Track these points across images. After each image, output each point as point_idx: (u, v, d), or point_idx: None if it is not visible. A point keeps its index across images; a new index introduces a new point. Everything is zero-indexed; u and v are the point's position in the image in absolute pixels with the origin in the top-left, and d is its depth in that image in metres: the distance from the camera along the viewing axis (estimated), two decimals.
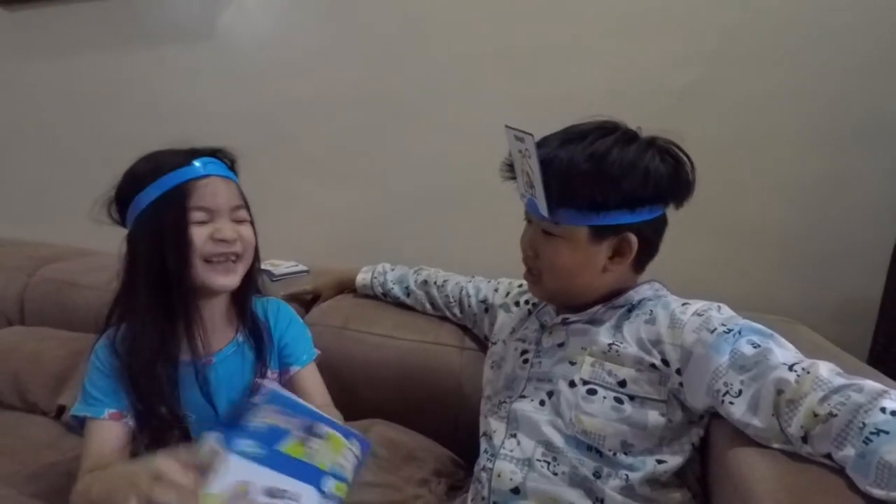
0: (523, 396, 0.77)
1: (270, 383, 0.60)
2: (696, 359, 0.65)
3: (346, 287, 1.19)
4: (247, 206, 0.81)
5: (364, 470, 0.86)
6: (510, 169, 0.77)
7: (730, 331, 0.64)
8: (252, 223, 0.81)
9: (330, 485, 0.57)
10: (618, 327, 0.74)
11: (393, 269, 1.14)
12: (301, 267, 1.33)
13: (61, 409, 1.14)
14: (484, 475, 0.74)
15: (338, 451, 0.58)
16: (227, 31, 1.47)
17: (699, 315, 0.68)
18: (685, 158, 0.72)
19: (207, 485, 0.51)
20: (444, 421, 1.00)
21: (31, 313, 1.42)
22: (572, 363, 0.74)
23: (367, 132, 1.39)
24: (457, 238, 1.33)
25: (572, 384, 0.72)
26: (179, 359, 0.78)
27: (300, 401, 0.61)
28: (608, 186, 0.68)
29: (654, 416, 0.67)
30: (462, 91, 1.29)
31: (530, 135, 0.67)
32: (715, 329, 0.65)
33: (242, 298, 0.85)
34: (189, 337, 0.78)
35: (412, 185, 1.37)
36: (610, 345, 0.71)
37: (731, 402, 0.60)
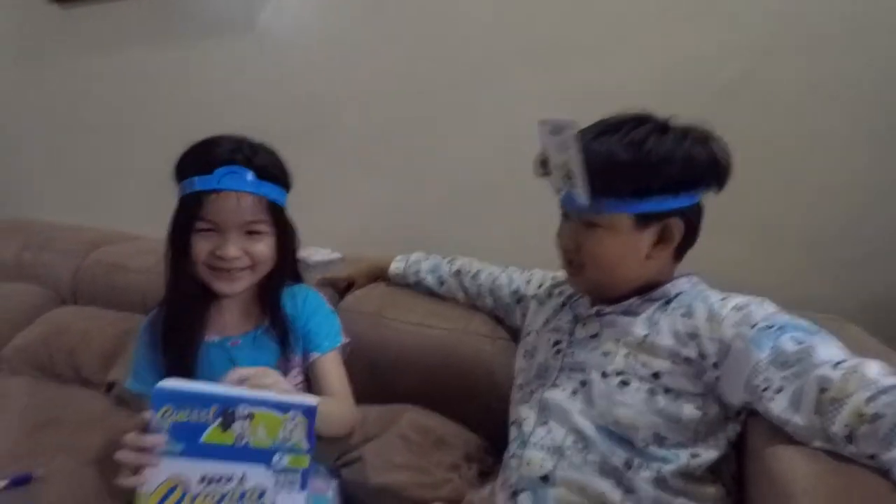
0: (555, 385, 0.77)
1: (163, 383, 0.58)
2: (735, 353, 0.63)
3: (380, 275, 1.21)
4: (271, 218, 0.80)
5: (396, 452, 0.89)
6: (543, 165, 0.77)
7: (771, 326, 0.62)
8: (284, 230, 0.82)
9: (283, 460, 0.57)
10: (654, 320, 0.73)
11: (427, 259, 1.15)
12: (336, 255, 1.36)
13: (111, 385, 1.21)
14: (513, 462, 0.75)
15: (275, 425, 0.57)
16: (267, 26, 1.50)
17: (739, 309, 0.67)
18: (721, 142, 0.72)
19: (141, 489, 0.56)
20: (475, 408, 1.00)
21: (82, 294, 1.50)
22: (605, 354, 0.74)
23: (403, 124, 1.40)
24: (491, 229, 1.33)
25: (605, 375, 0.71)
26: (205, 338, 0.83)
27: (209, 388, 0.59)
28: (650, 172, 0.68)
29: (688, 410, 0.66)
30: (499, 84, 1.28)
31: (572, 124, 0.66)
32: (756, 324, 0.63)
33: (264, 294, 0.86)
34: (209, 319, 0.84)
35: (447, 175, 1.38)
36: (645, 336, 0.71)
37: (771, 399, 0.58)
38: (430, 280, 1.12)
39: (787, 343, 0.60)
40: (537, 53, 1.23)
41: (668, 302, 0.74)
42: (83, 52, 1.80)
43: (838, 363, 0.56)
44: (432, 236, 1.36)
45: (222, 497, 0.57)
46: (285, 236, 0.84)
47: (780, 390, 0.58)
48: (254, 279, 0.83)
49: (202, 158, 0.79)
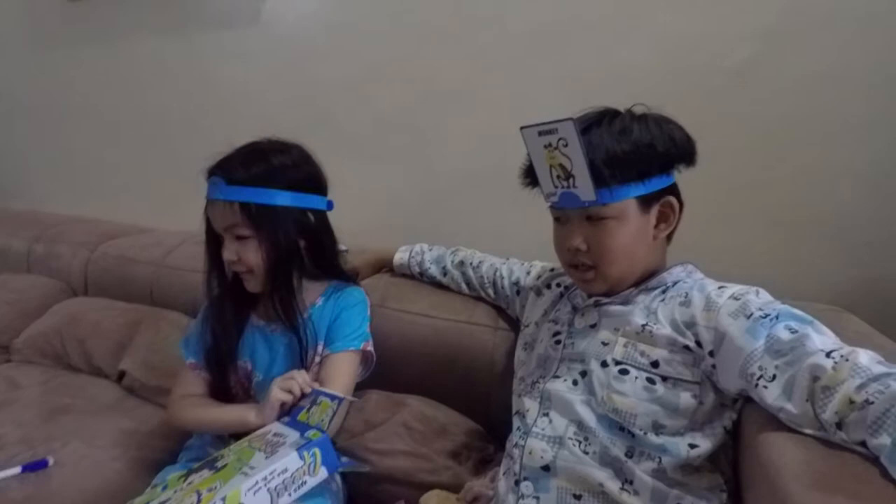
0: (556, 376, 0.78)
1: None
2: (731, 341, 0.64)
3: (385, 265, 1.22)
4: (248, 221, 0.84)
5: (398, 440, 0.90)
6: (528, 174, 0.77)
7: (766, 315, 0.63)
8: (266, 232, 0.85)
9: (309, 433, 0.75)
10: (652, 308, 0.74)
11: (430, 249, 1.17)
12: (342, 246, 1.37)
13: (122, 374, 1.23)
14: (516, 451, 0.76)
15: (324, 410, 0.78)
16: (272, 16, 1.51)
17: (736, 299, 0.68)
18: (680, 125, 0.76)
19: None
20: (477, 398, 1.02)
21: (93, 285, 1.53)
22: (605, 343, 0.75)
23: (409, 113, 1.40)
24: (496, 220, 1.34)
25: (604, 364, 0.73)
26: (252, 322, 0.96)
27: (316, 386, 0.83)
28: (647, 154, 0.71)
29: (685, 398, 0.67)
30: (505, 71, 1.28)
31: (569, 120, 0.66)
32: (752, 314, 0.64)
33: (274, 300, 0.90)
34: (254, 306, 0.96)
35: (453, 166, 1.38)
36: (643, 325, 0.72)
37: (765, 387, 0.59)
38: (433, 270, 1.14)
39: (782, 332, 0.61)
40: (542, 38, 1.23)
41: (664, 290, 0.76)
42: (91, 45, 1.82)
43: (831, 352, 0.56)
44: (436, 227, 1.37)
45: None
46: (269, 238, 0.85)
47: (773, 378, 0.59)
48: (259, 280, 0.89)
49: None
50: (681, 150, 0.74)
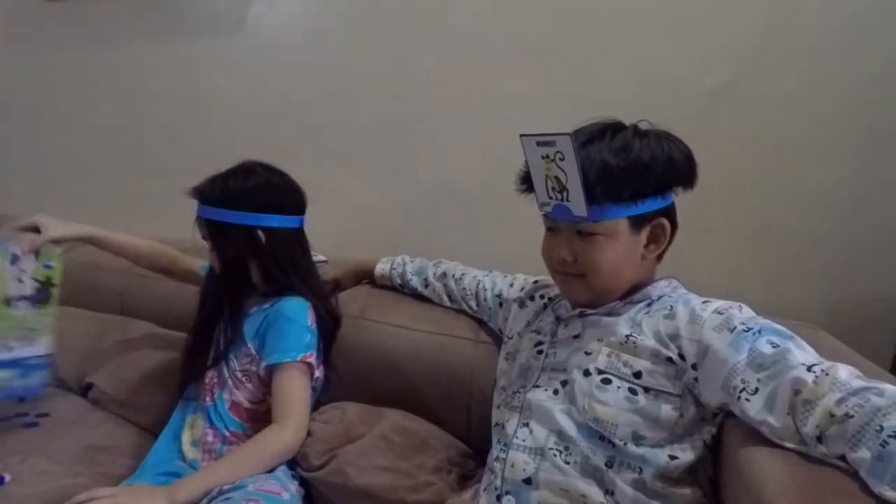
0: (537, 386, 0.78)
1: None
2: (714, 355, 0.65)
3: (365, 276, 1.21)
4: (210, 235, 0.98)
5: (378, 454, 0.89)
6: (525, 180, 0.77)
7: (749, 329, 0.64)
8: (218, 243, 0.98)
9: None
10: (636, 320, 0.74)
11: (412, 261, 1.16)
12: (321, 257, 1.35)
13: (88, 387, 1.18)
14: (497, 465, 0.75)
15: None
16: (256, 25, 1.50)
17: (720, 313, 0.69)
18: (684, 144, 0.76)
19: None
20: (458, 411, 1.01)
21: (60, 293, 1.46)
22: (588, 353, 0.75)
23: (391, 126, 1.40)
24: (478, 233, 1.34)
25: (587, 373, 0.73)
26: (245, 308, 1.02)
27: None
28: (644, 175, 0.71)
29: (666, 410, 0.68)
30: (488, 86, 1.29)
31: (565, 134, 0.67)
32: (735, 328, 0.65)
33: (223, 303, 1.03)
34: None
35: (435, 179, 1.38)
36: (627, 336, 0.72)
37: (748, 399, 0.60)
38: (415, 282, 1.13)
39: (764, 346, 0.62)
40: (525, 57, 1.25)
41: (649, 304, 0.76)
42: (71, 48, 1.78)
43: (812, 366, 0.58)
44: (418, 239, 1.36)
45: None
46: (220, 251, 0.99)
47: (756, 391, 0.60)
48: (227, 283, 1.01)
49: None
50: (678, 173, 0.73)
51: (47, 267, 1.01)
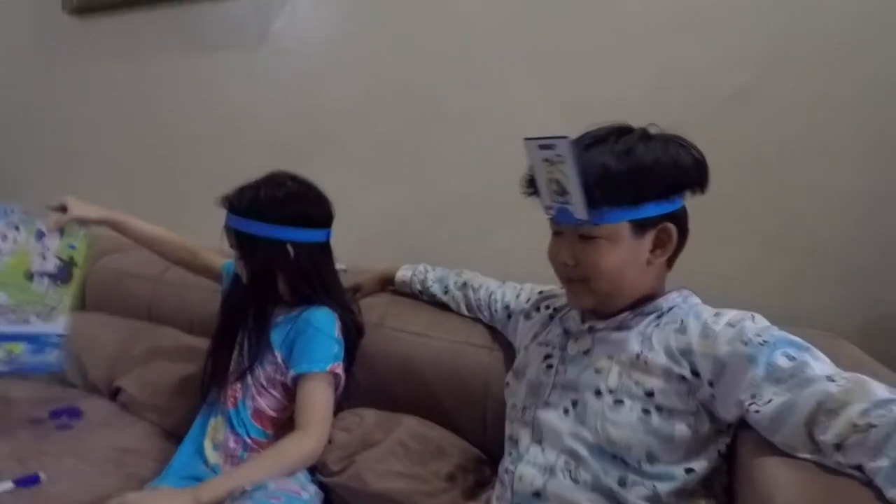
0: (548, 404, 0.77)
1: None
2: (730, 370, 0.64)
3: (388, 283, 1.22)
4: (237, 242, 0.98)
5: (395, 460, 0.90)
6: (530, 184, 0.77)
7: (765, 342, 0.63)
8: (247, 254, 0.98)
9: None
10: (646, 334, 0.73)
11: (434, 270, 1.17)
12: (341, 265, 1.37)
13: (117, 391, 1.22)
14: (507, 477, 0.76)
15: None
16: (279, 37, 1.55)
17: (732, 326, 0.67)
18: (695, 146, 0.74)
19: None
20: (473, 418, 1.02)
21: (90, 300, 1.52)
22: (598, 371, 0.74)
23: (410, 134, 1.42)
24: (495, 240, 1.34)
25: (598, 393, 0.72)
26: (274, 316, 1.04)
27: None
28: (645, 179, 0.69)
29: (680, 429, 0.66)
30: (504, 94, 1.30)
31: (564, 138, 0.67)
32: (749, 341, 0.64)
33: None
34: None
35: (453, 186, 1.39)
36: (638, 354, 0.71)
37: (758, 411, 0.60)
38: (435, 289, 1.14)
39: (780, 359, 0.61)
40: (541, 64, 1.26)
41: (660, 316, 0.74)
42: (99, 62, 1.85)
43: (832, 377, 0.57)
44: (437, 246, 1.38)
45: None
46: (248, 261, 0.99)
47: (769, 402, 0.60)
48: (253, 291, 1.02)
49: None
50: (685, 176, 0.72)
51: (72, 247, 1.04)
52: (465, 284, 1.11)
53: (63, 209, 1.04)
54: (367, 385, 1.07)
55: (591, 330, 0.78)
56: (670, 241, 0.73)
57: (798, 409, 0.57)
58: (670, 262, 0.77)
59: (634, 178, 0.69)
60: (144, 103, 1.80)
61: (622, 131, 0.73)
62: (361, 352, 1.08)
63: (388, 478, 0.87)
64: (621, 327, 0.76)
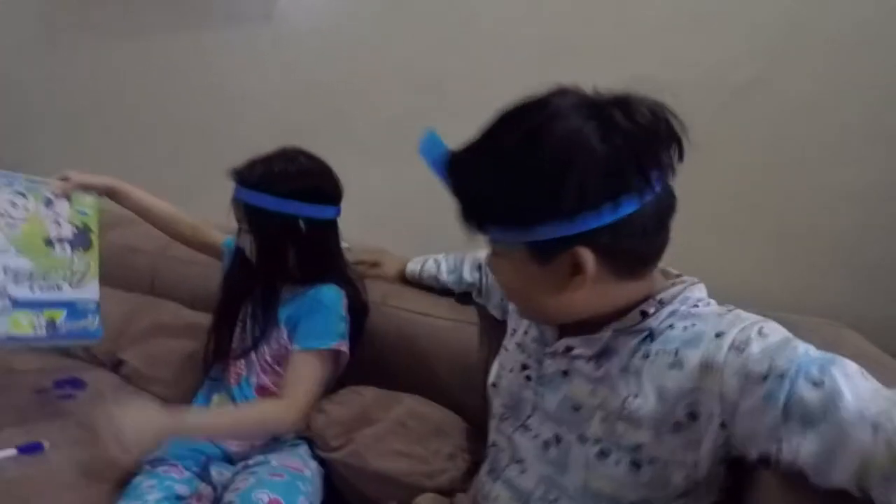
0: (527, 428, 0.69)
1: None
2: (745, 412, 0.52)
3: (404, 278, 1.18)
4: (246, 217, 0.96)
5: (395, 439, 0.91)
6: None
7: (781, 375, 0.50)
8: (257, 229, 0.96)
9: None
10: (632, 369, 0.60)
11: (446, 259, 1.13)
12: (343, 244, 1.37)
13: (119, 363, 1.23)
14: (484, 489, 0.73)
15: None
16: (284, 15, 1.52)
17: (739, 351, 0.53)
18: (651, 109, 0.59)
19: None
20: (474, 397, 1.01)
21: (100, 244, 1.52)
22: (576, 409, 0.63)
23: (416, 115, 1.40)
24: None
25: (583, 439, 0.62)
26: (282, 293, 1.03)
27: None
28: (518, 197, 0.55)
29: (678, 476, 0.57)
30: (511, 79, 1.27)
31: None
32: (760, 375, 0.51)
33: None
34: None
35: None
36: (624, 400, 0.59)
37: (790, 461, 0.49)
38: (447, 271, 1.11)
39: (805, 390, 0.49)
40: (550, 51, 1.24)
41: (650, 338, 0.60)
42: (102, 39, 1.83)
43: (877, 424, 0.45)
44: (443, 228, 1.36)
45: None
46: (258, 236, 0.96)
47: (799, 450, 0.49)
48: (261, 266, 0.99)
49: None
50: (609, 183, 0.52)
51: (83, 213, 1.03)
52: (479, 266, 1.07)
53: (65, 181, 1.04)
54: (367, 363, 1.07)
55: (567, 351, 0.65)
56: (585, 269, 0.55)
57: (841, 464, 0.46)
58: (628, 275, 0.59)
59: (507, 193, 0.55)
60: (148, 81, 1.78)
61: (510, 124, 0.61)
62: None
63: (388, 457, 0.88)
64: (602, 354, 0.62)
